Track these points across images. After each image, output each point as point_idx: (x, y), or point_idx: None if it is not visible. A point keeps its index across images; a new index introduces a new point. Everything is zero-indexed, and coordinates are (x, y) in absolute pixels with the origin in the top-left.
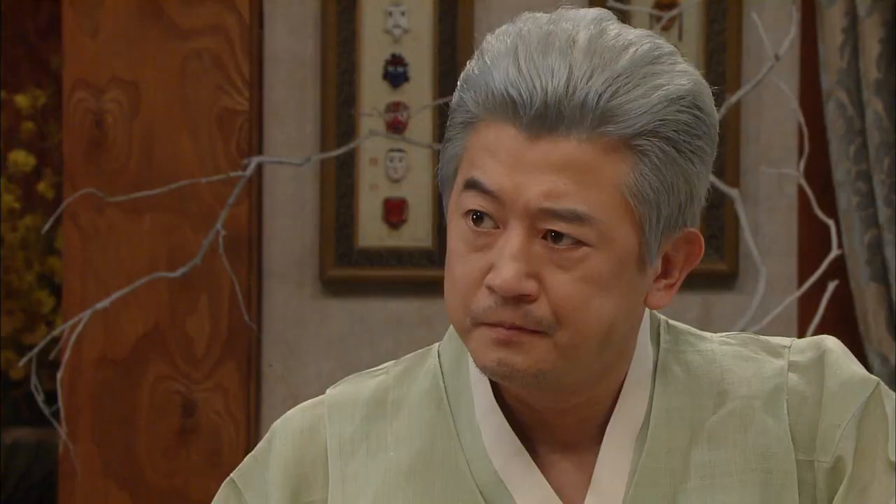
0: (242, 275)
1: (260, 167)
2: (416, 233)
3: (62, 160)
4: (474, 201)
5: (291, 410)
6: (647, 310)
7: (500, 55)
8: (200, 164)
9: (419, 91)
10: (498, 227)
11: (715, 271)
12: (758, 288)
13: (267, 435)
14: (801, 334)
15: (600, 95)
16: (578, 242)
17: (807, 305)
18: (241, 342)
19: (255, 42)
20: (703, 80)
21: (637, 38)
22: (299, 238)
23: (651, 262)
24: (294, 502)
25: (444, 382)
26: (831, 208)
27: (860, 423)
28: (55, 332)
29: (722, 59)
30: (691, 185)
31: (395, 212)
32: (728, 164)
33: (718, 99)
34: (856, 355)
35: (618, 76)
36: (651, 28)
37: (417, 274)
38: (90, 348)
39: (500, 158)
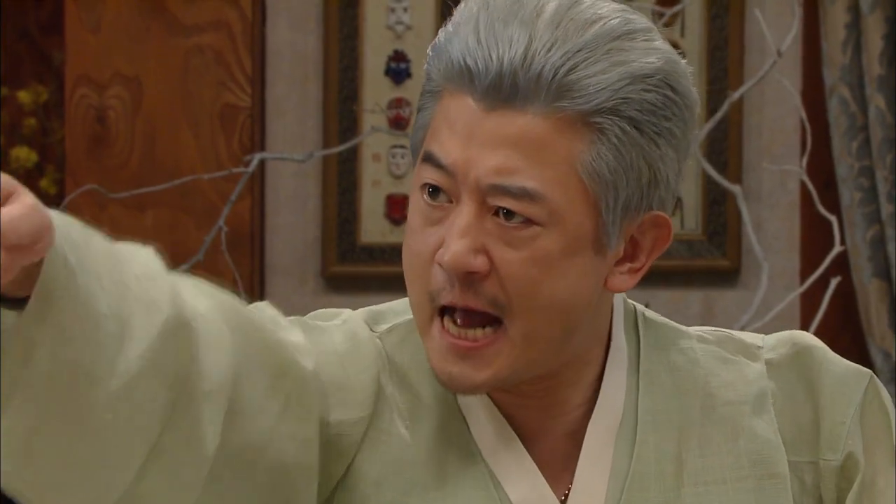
0: (245, 271)
1: (262, 163)
2: None
3: (64, 156)
4: (429, 175)
5: (356, 314)
6: (621, 297)
7: (463, 23)
8: (203, 160)
9: (421, 87)
10: (451, 202)
11: (717, 267)
12: (760, 284)
13: (355, 315)
14: (804, 330)
15: (558, 69)
16: (528, 221)
17: (809, 302)
18: None
19: (258, 38)
20: (679, 60)
21: (609, 13)
22: (301, 234)
23: (610, 244)
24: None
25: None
26: (834, 204)
27: (862, 418)
28: None
29: (724, 55)
30: (654, 167)
31: (397, 208)
32: (730, 161)
33: (720, 95)
34: (858, 351)
35: (579, 50)
36: (653, 24)
37: None
38: None
39: (456, 130)
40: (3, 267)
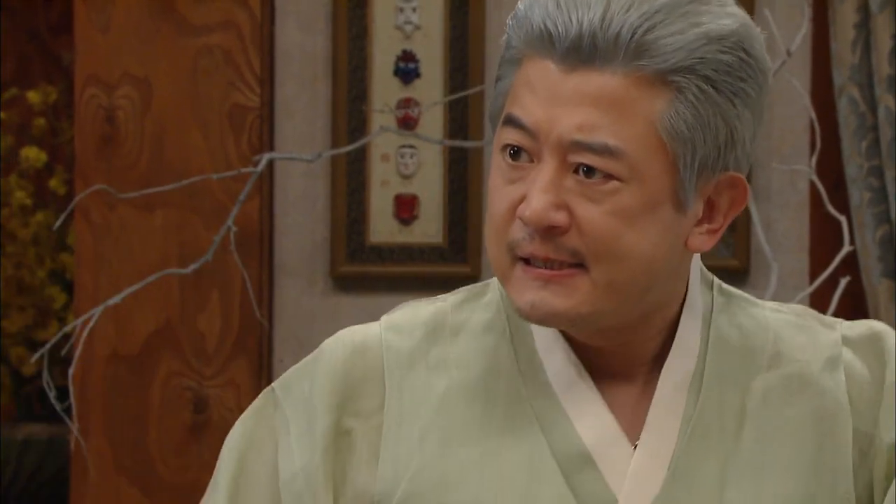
0: (254, 271)
1: (271, 163)
2: (427, 229)
3: (74, 156)
4: (511, 136)
5: (341, 331)
6: (699, 262)
7: None
8: (212, 161)
9: (430, 87)
10: (533, 161)
11: (726, 267)
12: (769, 284)
13: (314, 352)
14: None
15: (636, 29)
16: (609, 176)
17: (818, 302)
18: (252, 338)
19: (267, 38)
20: (753, 25)
21: None
22: (310, 234)
23: (688, 203)
24: (340, 411)
25: (506, 314)
26: (843, 204)
27: None
28: (67, 329)
29: None
30: (731, 126)
31: (406, 208)
32: None
33: None
34: None
35: (656, 11)
36: None
37: (428, 270)
38: (102, 344)
39: (537, 92)
40: None
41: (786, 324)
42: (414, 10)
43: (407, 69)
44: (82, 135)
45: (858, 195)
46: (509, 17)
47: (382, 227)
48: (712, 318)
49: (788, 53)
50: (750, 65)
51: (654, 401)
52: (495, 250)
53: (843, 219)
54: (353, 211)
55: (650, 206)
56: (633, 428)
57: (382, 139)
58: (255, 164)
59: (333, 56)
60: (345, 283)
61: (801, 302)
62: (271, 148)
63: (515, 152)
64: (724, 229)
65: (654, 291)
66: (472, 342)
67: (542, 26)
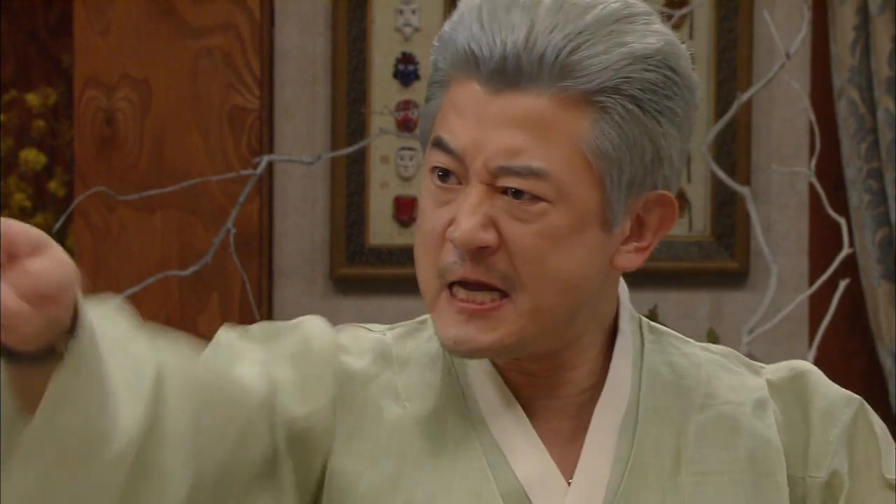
0: (253, 273)
1: (271, 165)
2: None
3: (73, 158)
4: (439, 159)
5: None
6: (627, 295)
7: (467, 12)
8: (211, 163)
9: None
10: (461, 184)
11: (726, 269)
12: (769, 286)
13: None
14: (813, 332)
15: (560, 50)
16: (537, 198)
17: (818, 304)
18: None
19: (266, 40)
20: (678, 42)
21: None
22: (310, 236)
23: (616, 222)
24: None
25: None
26: (843, 206)
27: (850, 440)
28: None
29: (733, 56)
30: (657, 144)
31: (405, 210)
32: (739, 162)
33: (729, 97)
34: (867, 354)
35: (580, 32)
36: None
37: None
38: None
39: (464, 115)
40: (27, 316)
41: (716, 364)
42: (413, 12)
43: (406, 71)
44: (82, 137)
45: (858, 197)
46: (436, 38)
47: (382, 229)
48: (644, 354)
49: (788, 55)
50: (676, 82)
51: (587, 437)
52: (425, 275)
53: (842, 221)
54: (352, 213)
55: (578, 226)
56: (566, 462)
57: (382, 141)
58: (255, 166)
59: (333, 58)
60: (344, 284)
61: (800, 304)
62: (271, 150)
63: (444, 174)
64: (653, 247)
65: (580, 314)
66: (419, 376)
67: (467, 48)
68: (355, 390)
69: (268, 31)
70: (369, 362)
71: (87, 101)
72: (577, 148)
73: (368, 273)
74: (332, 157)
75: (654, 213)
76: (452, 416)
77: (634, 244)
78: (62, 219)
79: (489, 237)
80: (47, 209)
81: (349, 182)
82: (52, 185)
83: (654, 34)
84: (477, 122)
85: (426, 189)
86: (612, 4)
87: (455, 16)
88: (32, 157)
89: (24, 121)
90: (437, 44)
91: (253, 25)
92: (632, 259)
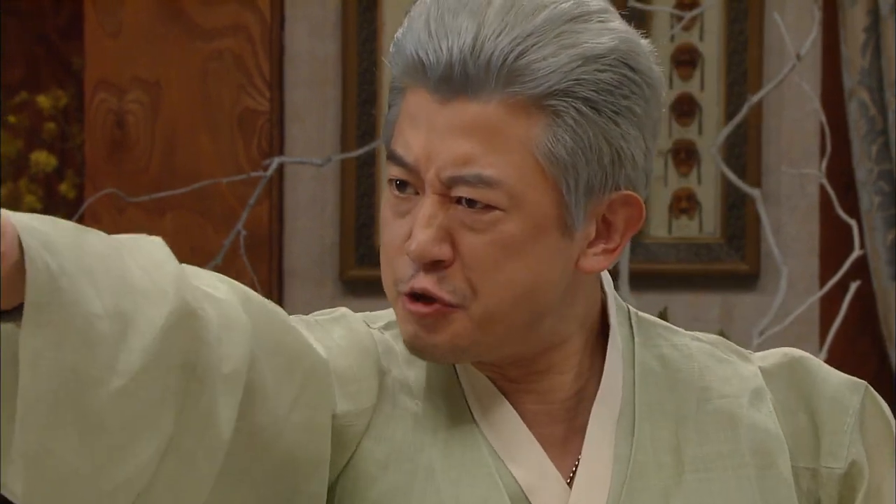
0: (263, 274)
1: (281, 167)
2: None
3: (84, 160)
4: (394, 171)
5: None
6: (612, 288)
7: (416, 17)
8: (221, 165)
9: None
10: (418, 193)
11: (736, 271)
12: (779, 288)
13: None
14: (824, 335)
15: (507, 54)
16: (490, 206)
17: (829, 306)
18: None
19: (276, 42)
20: (637, 39)
21: None
22: (320, 238)
23: (577, 226)
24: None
25: None
26: (853, 208)
27: (862, 426)
28: None
29: (743, 58)
30: (616, 146)
31: None
32: (749, 164)
33: (739, 99)
34: (877, 355)
35: (528, 35)
36: (671, 28)
37: None
38: None
39: (417, 124)
40: None
41: (707, 355)
42: None
43: None
44: (92, 139)
45: (868, 199)
46: (392, 44)
47: None
48: (635, 349)
49: (798, 57)
50: (634, 80)
51: (587, 438)
52: (387, 282)
53: (853, 222)
54: (362, 215)
55: (534, 233)
56: (563, 464)
57: None
58: (265, 168)
59: (343, 60)
60: (354, 286)
61: (811, 306)
62: (281, 152)
63: (401, 185)
64: (622, 248)
65: (545, 319)
66: (425, 375)
67: (415, 56)
68: (385, 386)
69: (278, 33)
70: (381, 354)
71: (98, 103)
72: (528, 154)
73: (378, 275)
74: (342, 158)
75: (619, 214)
76: (457, 419)
77: (602, 246)
78: (73, 221)
79: (443, 251)
80: (58, 211)
81: (359, 184)
82: (63, 188)
83: (609, 32)
84: (428, 131)
85: (385, 200)
86: (564, 4)
87: (406, 20)
88: (43, 159)
89: (35, 123)
90: (391, 50)
91: (263, 28)
92: (599, 261)
